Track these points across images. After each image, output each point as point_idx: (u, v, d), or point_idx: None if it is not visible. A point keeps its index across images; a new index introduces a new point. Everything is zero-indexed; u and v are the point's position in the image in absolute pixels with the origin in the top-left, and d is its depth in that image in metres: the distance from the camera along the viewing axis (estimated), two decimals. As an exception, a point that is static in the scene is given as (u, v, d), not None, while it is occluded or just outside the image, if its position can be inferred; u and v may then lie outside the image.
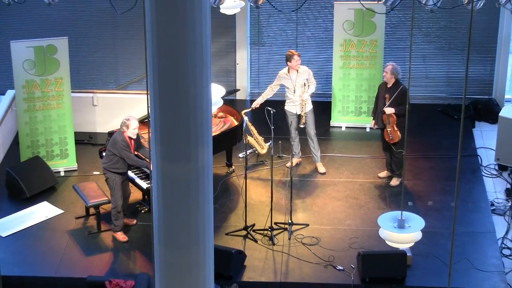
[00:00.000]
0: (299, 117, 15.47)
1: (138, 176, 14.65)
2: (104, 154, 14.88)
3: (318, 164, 15.90)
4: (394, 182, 15.56)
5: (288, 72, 15.44)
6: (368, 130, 16.86)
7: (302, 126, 15.47)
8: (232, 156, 15.83)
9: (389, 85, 15.07)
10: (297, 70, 15.35)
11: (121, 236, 14.12)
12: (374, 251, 13.49)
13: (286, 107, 15.56)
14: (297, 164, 15.95)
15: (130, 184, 14.89)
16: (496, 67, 17.90)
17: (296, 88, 15.35)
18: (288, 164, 15.57)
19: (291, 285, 12.34)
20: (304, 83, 15.30)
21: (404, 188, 15.21)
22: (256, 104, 15.61)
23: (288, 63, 15.34)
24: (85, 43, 17.48)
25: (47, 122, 15.84)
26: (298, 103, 15.32)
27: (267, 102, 15.20)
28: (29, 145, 15.84)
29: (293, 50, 15.51)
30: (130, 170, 14.73)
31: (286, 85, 15.45)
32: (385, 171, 15.68)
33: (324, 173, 15.85)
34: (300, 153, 15.97)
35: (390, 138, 15.01)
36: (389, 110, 14.91)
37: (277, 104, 15.12)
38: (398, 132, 14.96)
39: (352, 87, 16.78)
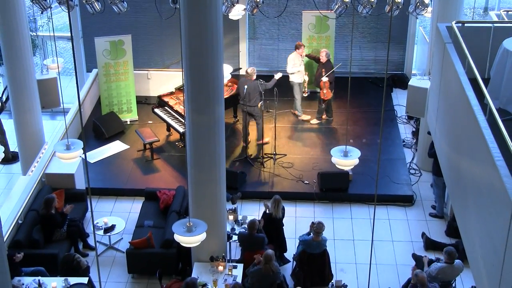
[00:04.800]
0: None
1: (176, 123, 14.62)
2: (156, 110, 14.90)
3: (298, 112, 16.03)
4: (314, 121, 15.75)
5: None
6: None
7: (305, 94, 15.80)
8: (237, 111, 15.76)
9: (323, 63, 15.24)
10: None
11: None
12: (328, 171, 13.50)
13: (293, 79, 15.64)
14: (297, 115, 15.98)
15: (171, 129, 14.88)
16: (406, 53, 17.78)
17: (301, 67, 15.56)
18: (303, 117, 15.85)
19: (275, 193, 12.35)
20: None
21: (347, 131, 15.23)
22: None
23: (297, 50, 15.43)
24: (142, 38, 17.33)
25: (118, 89, 15.76)
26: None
27: (259, 76, 15.16)
28: (107, 104, 15.79)
29: (300, 42, 15.71)
30: (170, 119, 14.70)
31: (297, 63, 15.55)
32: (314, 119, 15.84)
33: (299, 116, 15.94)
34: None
35: (325, 96, 15.21)
36: (325, 79, 14.99)
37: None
38: (330, 92, 15.18)
39: (315, 65, 16.60)
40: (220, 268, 10.64)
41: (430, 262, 10.73)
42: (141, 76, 16.68)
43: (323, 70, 15.15)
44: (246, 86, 14.13)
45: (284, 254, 11.74)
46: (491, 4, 21.84)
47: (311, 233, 10.97)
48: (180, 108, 14.72)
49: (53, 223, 11.68)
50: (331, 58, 16.17)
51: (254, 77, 14.52)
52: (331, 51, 16.56)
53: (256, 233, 10.92)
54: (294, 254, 11.35)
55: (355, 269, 11.76)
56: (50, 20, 12.44)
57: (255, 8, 13.03)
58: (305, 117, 15.85)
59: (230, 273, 10.60)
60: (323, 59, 15.28)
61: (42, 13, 12.70)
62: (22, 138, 14.02)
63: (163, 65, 17.65)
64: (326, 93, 15.19)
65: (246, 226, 11.23)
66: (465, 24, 10.63)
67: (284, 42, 17.81)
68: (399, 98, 17.05)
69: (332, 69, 15.13)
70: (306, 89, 15.67)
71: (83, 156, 9.58)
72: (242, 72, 17.66)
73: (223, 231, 10.87)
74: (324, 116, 15.82)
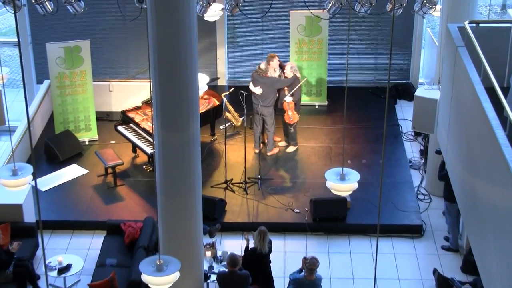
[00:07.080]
0: None
1: (143, 143, 14.58)
2: (119, 128, 14.85)
3: None
4: (291, 149, 15.46)
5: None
6: (317, 106, 16.83)
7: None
8: (215, 128, 15.76)
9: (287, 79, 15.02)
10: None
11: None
12: (322, 198, 13.50)
13: None
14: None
15: (137, 149, 14.85)
16: (412, 59, 17.92)
17: None
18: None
19: (260, 224, 12.31)
20: None
21: (344, 150, 15.26)
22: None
23: (270, 63, 15.03)
24: (103, 44, 17.34)
25: (75, 104, 15.72)
26: None
27: (241, 86, 15.14)
28: (61, 121, 15.74)
29: (273, 54, 15.41)
30: (136, 138, 14.67)
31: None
32: (283, 141, 15.59)
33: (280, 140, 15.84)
34: None
35: (290, 119, 14.93)
36: (289, 99, 14.83)
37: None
38: (296, 114, 14.97)
39: (304, 75, 16.69)
40: (197, 313, 10.58)
41: None
42: (102, 88, 16.65)
43: (286, 88, 14.88)
44: (258, 82, 14.49)
45: (272, 296, 11.70)
46: (510, 0, 22.02)
47: (304, 270, 10.94)
48: (148, 125, 14.69)
49: (-2, 262, 11.56)
50: (324, 70, 16.13)
51: (269, 73, 14.69)
52: (324, 57, 16.65)
53: (238, 270, 10.87)
54: (283, 296, 11.32)
55: (356, 313, 11.76)
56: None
57: (235, 8, 13.08)
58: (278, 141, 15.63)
59: (208, 319, 10.53)
60: (287, 74, 15.02)
61: (-17, 14, 12.67)
62: (-40, 162, 13.93)
63: (127, 75, 17.65)
64: (292, 115, 14.89)
65: (226, 263, 11.17)
66: (480, 24, 10.72)
67: (269, 47, 17.87)
68: (404, 111, 17.13)
69: (299, 85, 14.96)
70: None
71: (33, 183, 9.50)
72: (220, 82, 17.74)
73: (200, 270, 10.81)
74: (283, 142, 15.59)
